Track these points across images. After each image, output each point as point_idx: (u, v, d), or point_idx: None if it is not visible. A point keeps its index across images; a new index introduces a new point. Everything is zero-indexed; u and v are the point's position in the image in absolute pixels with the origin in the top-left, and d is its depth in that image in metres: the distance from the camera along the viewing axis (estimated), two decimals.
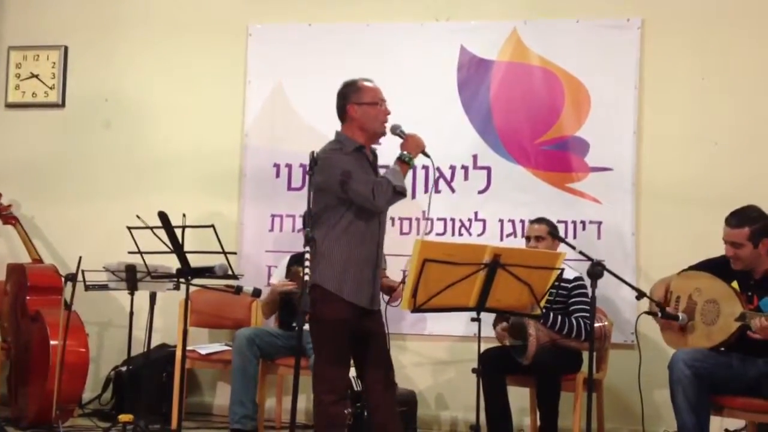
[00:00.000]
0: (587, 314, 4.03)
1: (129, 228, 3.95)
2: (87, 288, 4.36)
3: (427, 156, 3.52)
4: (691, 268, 3.93)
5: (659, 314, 3.80)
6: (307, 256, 3.29)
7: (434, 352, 4.99)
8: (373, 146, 3.61)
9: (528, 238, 4.41)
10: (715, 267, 3.82)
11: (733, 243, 3.69)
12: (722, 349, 3.69)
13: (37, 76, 5.64)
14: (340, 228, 3.42)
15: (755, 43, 4.87)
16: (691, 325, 3.77)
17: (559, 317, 4.18)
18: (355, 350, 3.50)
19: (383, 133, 3.55)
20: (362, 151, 3.52)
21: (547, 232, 4.35)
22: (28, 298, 4.83)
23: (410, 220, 5.10)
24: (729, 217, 3.74)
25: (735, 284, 3.72)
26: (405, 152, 3.47)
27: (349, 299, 3.38)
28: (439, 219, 5.07)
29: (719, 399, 3.68)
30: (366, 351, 3.50)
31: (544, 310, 3.48)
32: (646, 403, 4.01)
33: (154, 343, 4.61)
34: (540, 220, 4.44)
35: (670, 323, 3.82)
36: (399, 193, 3.40)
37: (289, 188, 5.28)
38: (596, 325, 4.15)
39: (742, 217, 3.70)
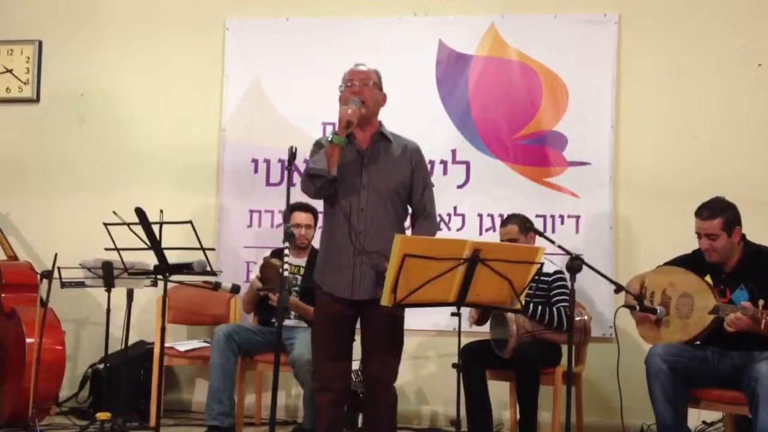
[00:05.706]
0: (568, 305, 4.05)
1: (105, 224, 3.91)
2: (63, 285, 4.32)
3: (344, 129, 3.21)
4: (665, 264, 3.96)
5: (637, 307, 3.82)
6: (286, 252, 3.28)
7: (414, 346, 4.99)
8: (384, 130, 3.42)
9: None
10: (688, 262, 3.85)
11: (708, 235, 3.72)
12: (698, 342, 3.73)
13: (11, 71, 5.56)
14: (325, 220, 3.46)
15: (731, 36, 4.90)
16: (666, 320, 3.79)
17: (540, 308, 4.19)
18: (362, 343, 3.42)
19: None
20: (351, 139, 3.35)
21: (518, 230, 4.31)
22: (3, 295, 4.78)
23: None
24: (699, 209, 3.77)
25: (708, 278, 3.75)
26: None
27: (327, 290, 3.38)
28: None
29: (696, 392, 3.71)
30: (363, 346, 3.42)
31: (523, 305, 3.49)
32: (624, 396, 4.03)
33: (131, 341, 4.57)
34: (508, 220, 4.38)
35: (646, 317, 3.85)
36: (310, 176, 3.25)
37: (268, 184, 5.26)
38: (576, 319, 4.18)
39: (713, 209, 3.73)
